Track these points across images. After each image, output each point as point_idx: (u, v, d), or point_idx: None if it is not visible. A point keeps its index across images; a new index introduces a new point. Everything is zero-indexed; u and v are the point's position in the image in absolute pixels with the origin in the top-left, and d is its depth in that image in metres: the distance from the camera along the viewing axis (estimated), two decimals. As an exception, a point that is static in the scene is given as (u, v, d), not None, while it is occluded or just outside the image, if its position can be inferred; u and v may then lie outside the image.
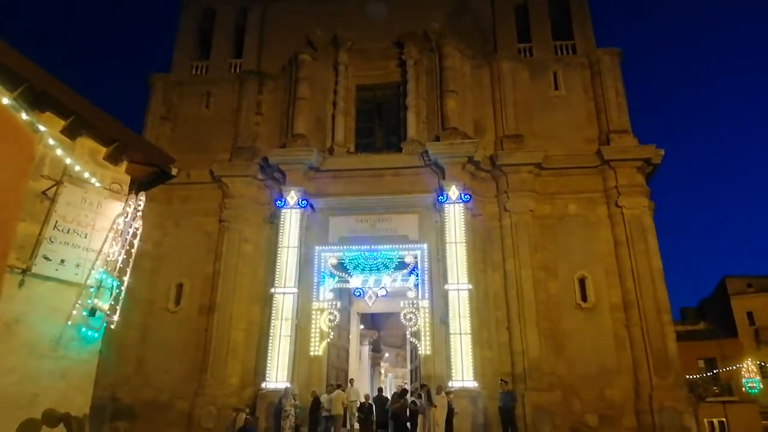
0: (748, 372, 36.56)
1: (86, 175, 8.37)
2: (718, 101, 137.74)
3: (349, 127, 23.85)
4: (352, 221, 21.61)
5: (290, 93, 24.21)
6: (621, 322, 19.95)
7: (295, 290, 20.23)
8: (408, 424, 17.04)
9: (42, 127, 7.47)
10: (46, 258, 7.81)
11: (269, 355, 19.46)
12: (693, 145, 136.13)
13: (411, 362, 23.05)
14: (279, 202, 21.41)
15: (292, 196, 21.25)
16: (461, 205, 20.45)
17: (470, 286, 19.53)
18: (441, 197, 20.68)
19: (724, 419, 35.02)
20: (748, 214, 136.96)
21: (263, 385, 19.24)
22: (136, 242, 8.81)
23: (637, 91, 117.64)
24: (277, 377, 19.08)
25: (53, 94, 7.92)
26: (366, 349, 29.59)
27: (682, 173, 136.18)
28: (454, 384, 18.11)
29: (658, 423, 18.14)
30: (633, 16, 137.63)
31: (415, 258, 20.76)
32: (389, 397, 19.15)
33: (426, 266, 20.48)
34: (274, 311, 19.95)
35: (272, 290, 20.31)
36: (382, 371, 33.87)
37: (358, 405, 18.59)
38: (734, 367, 37.39)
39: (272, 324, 19.82)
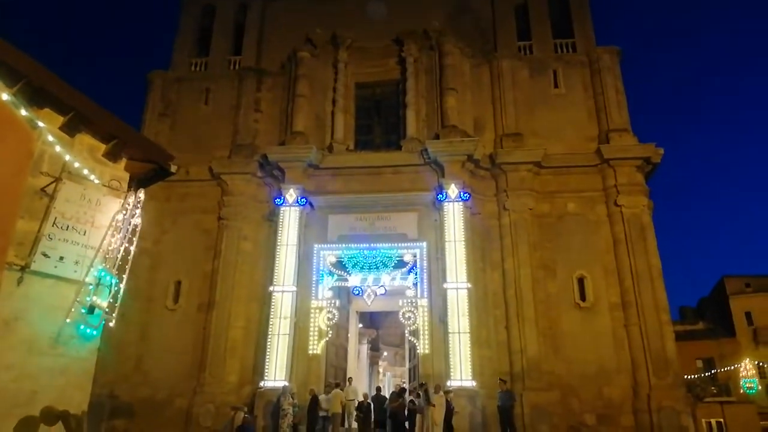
0: (747, 372, 36.66)
1: (85, 171, 8.35)
2: (718, 100, 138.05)
3: (349, 124, 23.81)
4: (351, 219, 21.59)
5: (289, 90, 24.17)
6: (619, 321, 19.95)
7: (294, 288, 20.21)
8: (406, 423, 17.03)
9: (41, 124, 7.44)
10: (45, 255, 7.79)
11: (268, 353, 19.44)
12: (692, 145, 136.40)
13: (409, 361, 23.04)
14: (278, 199, 21.37)
15: (291, 194, 21.22)
16: (460, 203, 20.43)
17: (469, 285, 19.51)
18: (440, 195, 20.65)
19: (722, 419, 35.02)
20: (747, 214, 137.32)
21: (262, 383, 19.22)
22: (135, 239, 8.79)
23: (636, 90, 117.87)
24: (276, 376, 19.05)
25: (52, 90, 7.90)
26: (364, 348, 29.59)
27: (681, 172, 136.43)
28: (453, 383, 18.10)
29: (656, 423, 18.14)
30: (633, 15, 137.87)
31: (414, 256, 20.73)
32: (387, 396, 19.15)
33: (425, 265, 20.46)
34: (272, 309, 19.92)
35: (271, 288, 20.28)
36: (381, 370, 33.87)
37: (357, 404, 18.58)
38: (732, 367, 37.49)
39: (271, 322, 19.79)
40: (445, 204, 20.49)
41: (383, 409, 18.04)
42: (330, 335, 20.31)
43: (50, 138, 7.75)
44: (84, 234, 8.26)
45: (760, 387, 37.13)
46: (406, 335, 20.89)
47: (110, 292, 8.34)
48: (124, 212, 8.65)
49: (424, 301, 20.02)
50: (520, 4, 25.86)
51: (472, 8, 25.85)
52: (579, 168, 22.02)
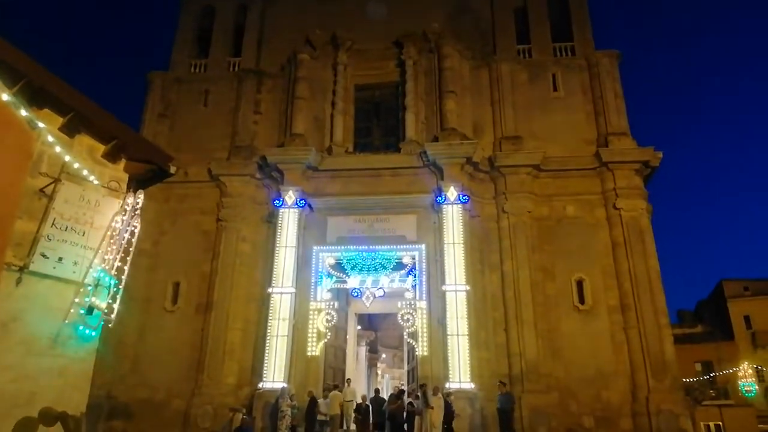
0: (745, 375, 36.69)
1: (84, 172, 8.34)
2: (717, 104, 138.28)
3: (348, 126, 23.82)
4: (350, 221, 21.58)
5: (289, 92, 24.19)
6: (618, 324, 19.95)
7: (293, 290, 20.19)
8: (405, 425, 17.00)
9: (41, 124, 7.43)
10: (43, 256, 7.78)
11: (266, 354, 19.42)
12: (691, 148, 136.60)
13: (408, 363, 23.02)
14: (277, 201, 21.36)
15: (290, 196, 21.21)
16: (459, 206, 20.43)
17: (468, 287, 19.50)
18: (439, 198, 20.66)
19: (720, 423, 35.05)
20: (746, 218, 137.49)
21: (260, 384, 19.20)
22: (134, 240, 8.79)
23: (635, 94, 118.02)
24: (274, 377, 19.03)
25: (52, 90, 7.90)
26: (363, 350, 29.54)
27: (679, 176, 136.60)
28: (452, 385, 18.08)
29: (655, 426, 18.13)
30: (632, 18, 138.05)
31: (413, 259, 20.72)
32: (386, 398, 19.12)
33: (424, 267, 20.45)
34: (271, 311, 19.90)
35: (269, 290, 20.27)
36: (379, 372, 33.82)
37: (355, 406, 18.55)
38: (731, 371, 37.50)
39: (269, 324, 19.77)
40: (444, 206, 20.49)
41: (382, 411, 18.02)
42: (328, 337, 20.29)
43: (50, 138, 7.74)
44: (83, 235, 8.26)
45: (758, 390, 37.16)
46: (405, 337, 20.90)
47: (109, 292, 8.32)
48: (123, 213, 8.64)
49: (423, 303, 20.00)
50: (519, 6, 25.90)
51: (471, 8, 25.89)
52: (578, 171, 22.04)
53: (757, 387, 36.96)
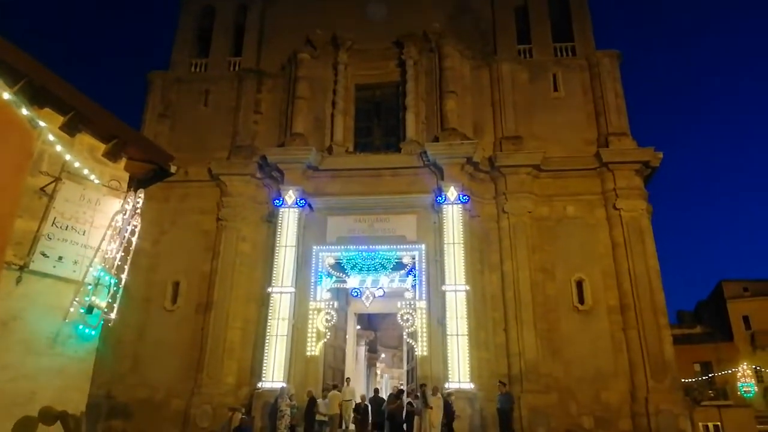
0: (744, 376, 36.68)
1: (85, 171, 8.34)
2: (717, 104, 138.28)
3: (348, 126, 23.81)
4: (350, 221, 21.57)
5: (289, 92, 24.18)
6: (618, 324, 19.95)
7: (293, 290, 20.19)
8: (404, 425, 17.00)
9: (41, 123, 7.42)
10: (43, 255, 7.77)
11: (266, 354, 19.41)
12: (691, 148, 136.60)
13: (407, 363, 23.01)
14: (277, 201, 21.35)
15: (291, 196, 21.20)
16: (459, 206, 20.42)
17: (468, 287, 19.50)
18: (439, 198, 20.65)
19: (719, 423, 35.09)
20: (746, 218, 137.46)
21: (259, 384, 19.19)
22: (134, 240, 8.78)
23: (636, 94, 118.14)
24: (274, 377, 19.02)
25: (53, 89, 7.89)
26: (362, 350, 29.55)
27: (679, 176, 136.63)
28: (451, 385, 18.07)
29: (654, 426, 18.14)
30: (632, 18, 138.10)
31: (413, 258, 20.72)
32: (385, 398, 19.12)
33: (424, 267, 20.45)
34: (271, 311, 19.90)
35: (269, 289, 20.26)
36: (378, 372, 33.82)
37: (354, 405, 18.55)
38: (730, 371, 37.50)
39: (269, 323, 19.76)
40: (444, 206, 20.49)
41: (381, 410, 18.01)
42: (328, 336, 20.29)
43: (50, 137, 7.74)
44: (83, 234, 8.25)
45: (757, 391, 37.14)
46: (405, 337, 20.89)
47: (109, 292, 8.31)
48: (123, 212, 8.64)
49: (423, 303, 20.00)
50: (519, 5, 25.90)
51: (472, 8, 25.89)
52: (578, 171, 22.05)
53: (755, 388, 36.92)
